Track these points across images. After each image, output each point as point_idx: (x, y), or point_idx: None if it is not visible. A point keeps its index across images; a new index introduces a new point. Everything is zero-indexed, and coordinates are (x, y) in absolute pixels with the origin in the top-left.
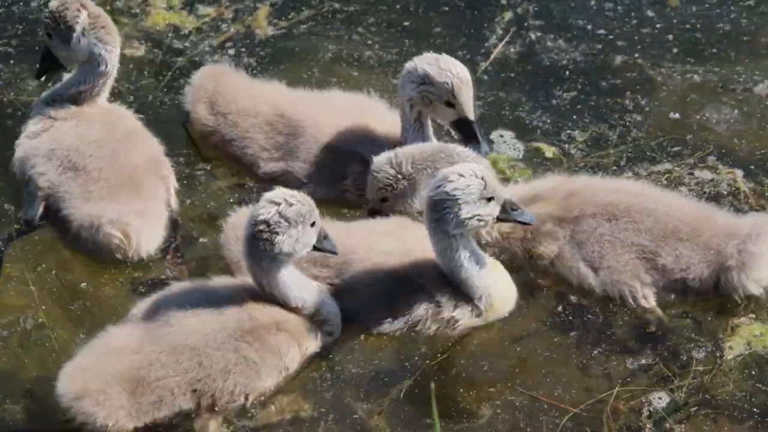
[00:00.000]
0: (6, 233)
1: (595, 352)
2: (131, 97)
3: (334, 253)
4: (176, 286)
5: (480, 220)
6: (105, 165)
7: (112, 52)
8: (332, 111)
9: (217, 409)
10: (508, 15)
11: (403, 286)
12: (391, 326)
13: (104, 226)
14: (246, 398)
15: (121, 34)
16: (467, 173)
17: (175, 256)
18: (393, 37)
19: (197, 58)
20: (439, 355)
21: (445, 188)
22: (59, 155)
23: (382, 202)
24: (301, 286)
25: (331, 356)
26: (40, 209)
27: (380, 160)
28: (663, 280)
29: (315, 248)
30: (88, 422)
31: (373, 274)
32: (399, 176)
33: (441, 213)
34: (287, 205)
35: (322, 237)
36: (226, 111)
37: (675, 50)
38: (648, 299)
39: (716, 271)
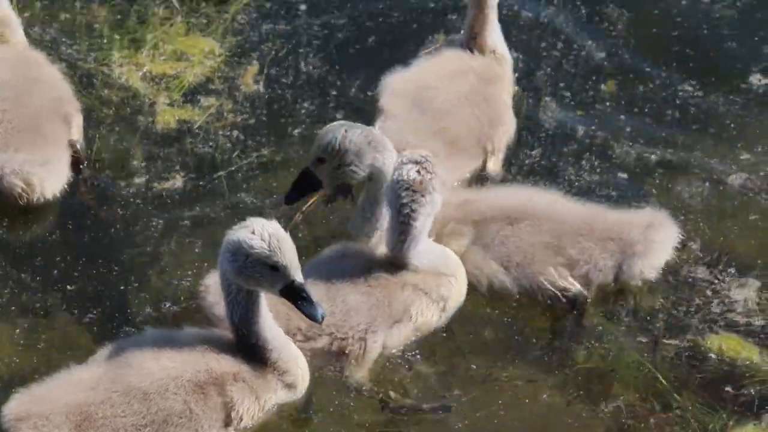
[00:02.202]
0: None
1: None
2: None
3: (314, 319)
4: (145, 333)
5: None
6: (9, 107)
7: None
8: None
9: None
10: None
11: (395, 298)
12: (399, 335)
13: (7, 176)
14: None
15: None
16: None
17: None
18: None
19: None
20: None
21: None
22: None
23: None
24: (270, 326)
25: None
26: None
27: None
28: (570, 273)
29: (295, 304)
30: None
31: (367, 300)
32: None
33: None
34: (251, 233)
35: (299, 292)
36: None
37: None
38: (567, 278)
39: (618, 261)
